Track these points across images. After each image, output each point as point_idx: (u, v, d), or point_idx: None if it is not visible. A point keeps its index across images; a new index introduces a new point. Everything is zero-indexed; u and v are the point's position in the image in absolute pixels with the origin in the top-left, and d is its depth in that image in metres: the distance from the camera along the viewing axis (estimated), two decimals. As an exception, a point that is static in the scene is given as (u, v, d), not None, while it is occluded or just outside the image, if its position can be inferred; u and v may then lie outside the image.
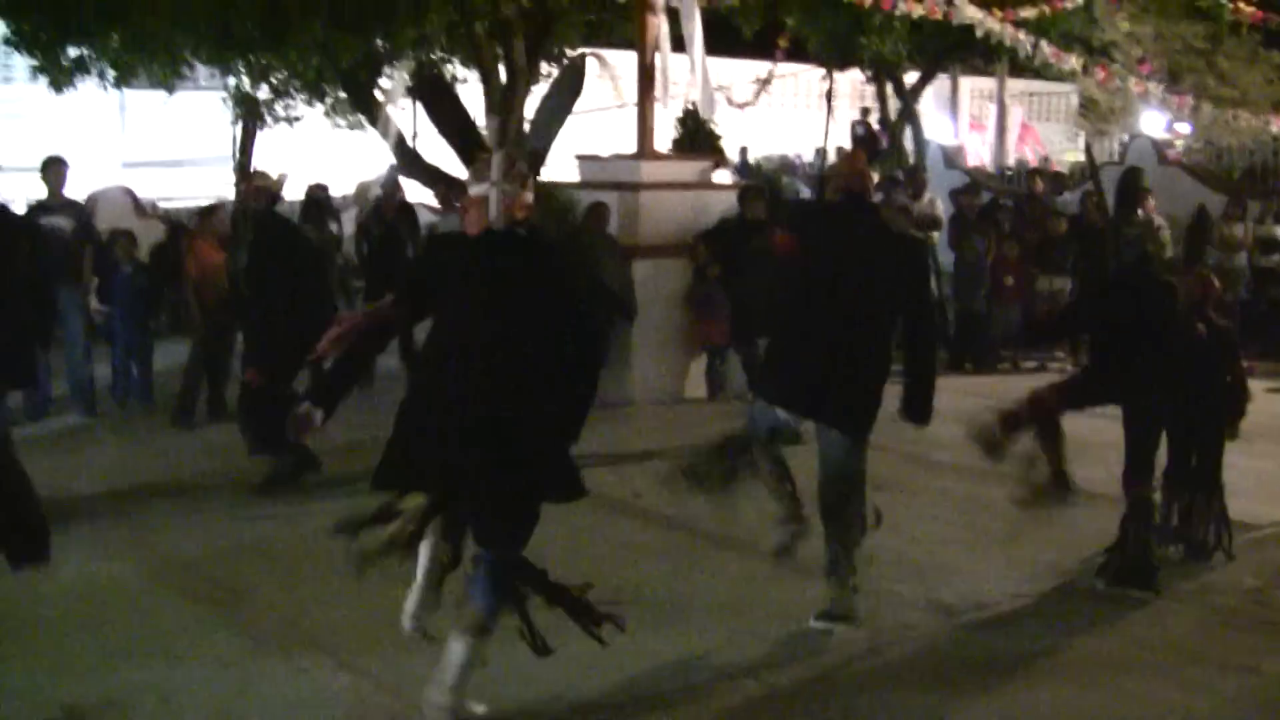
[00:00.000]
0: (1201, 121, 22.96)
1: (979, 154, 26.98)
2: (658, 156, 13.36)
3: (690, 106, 14.13)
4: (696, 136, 13.96)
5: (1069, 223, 14.89)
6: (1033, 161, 25.85)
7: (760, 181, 13.87)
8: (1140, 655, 6.37)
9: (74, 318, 11.57)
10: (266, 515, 8.47)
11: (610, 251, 12.26)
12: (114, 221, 16.63)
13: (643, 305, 12.38)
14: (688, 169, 13.53)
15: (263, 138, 19.78)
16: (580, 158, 13.65)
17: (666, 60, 12.89)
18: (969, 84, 28.42)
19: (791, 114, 28.47)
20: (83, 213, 12.21)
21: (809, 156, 25.52)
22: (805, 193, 21.37)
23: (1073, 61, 15.71)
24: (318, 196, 14.52)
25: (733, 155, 22.63)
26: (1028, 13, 15.80)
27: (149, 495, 8.97)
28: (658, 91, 12.79)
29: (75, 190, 15.52)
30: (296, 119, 19.29)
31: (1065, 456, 7.53)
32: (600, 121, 16.76)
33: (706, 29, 13.41)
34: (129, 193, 18.51)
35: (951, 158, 22.41)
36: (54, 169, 11.52)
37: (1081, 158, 25.83)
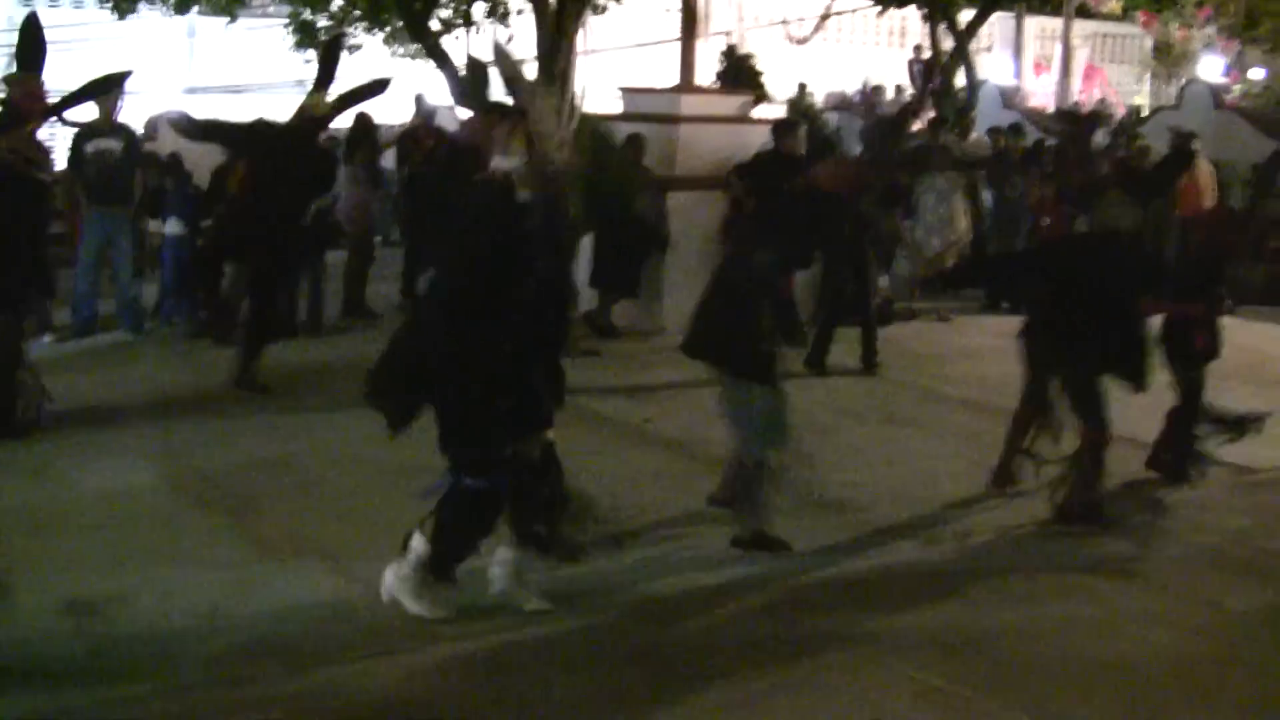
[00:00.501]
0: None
1: (1044, 95, 26.71)
2: (697, 90, 13.49)
3: (732, 42, 14.21)
4: (739, 71, 14.02)
5: (1112, 165, 14.83)
6: (1087, 103, 25.62)
7: (800, 116, 13.85)
8: (1110, 584, 6.54)
9: (123, 238, 11.92)
10: (292, 432, 8.78)
11: (645, 183, 12.44)
12: (174, 145, 17.07)
13: (677, 236, 12.56)
14: (727, 103, 13.65)
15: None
16: (623, 90, 13.80)
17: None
18: (1035, 24, 28.04)
19: (860, 51, 28.25)
20: (132, 136, 12.47)
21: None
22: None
23: (1111, 3, 15.52)
24: (365, 126, 14.70)
25: (792, 91, 22.65)
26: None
27: (181, 409, 9.29)
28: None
29: (141, 114, 16.02)
30: (356, 47, 19.50)
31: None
32: (651, 55, 16.86)
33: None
34: (186, 116, 18.81)
35: (1009, 98, 22.30)
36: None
37: (1146, 100, 25.60)
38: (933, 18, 19.27)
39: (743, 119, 13.59)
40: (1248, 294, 13.80)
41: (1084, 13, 24.94)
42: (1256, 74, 27.14)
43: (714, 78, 14.37)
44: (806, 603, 6.22)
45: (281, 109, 11.06)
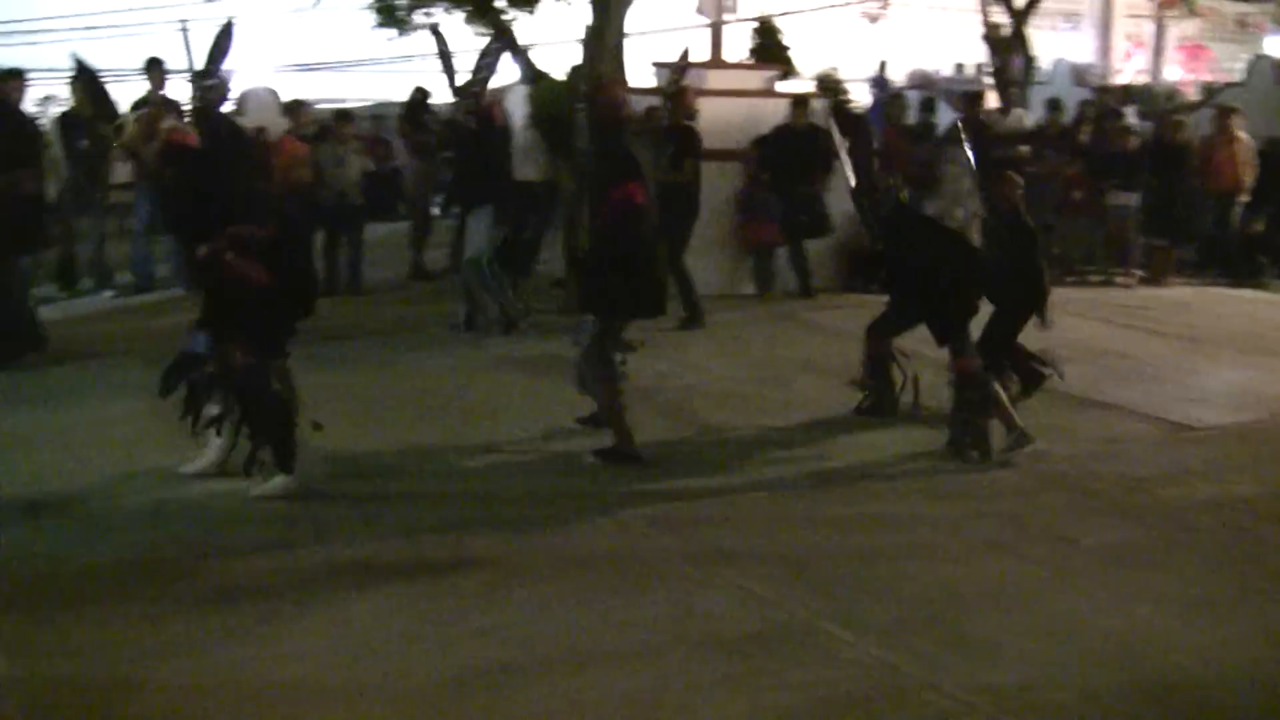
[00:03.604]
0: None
1: (1134, 75, 26.57)
2: (725, 65, 14.00)
3: (762, 18, 14.69)
4: (768, 47, 14.50)
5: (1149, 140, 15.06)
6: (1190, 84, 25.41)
7: (827, 92, 14.26)
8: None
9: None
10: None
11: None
12: (261, 119, 18.09)
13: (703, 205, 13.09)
14: (754, 78, 14.16)
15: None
16: (656, 65, 14.36)
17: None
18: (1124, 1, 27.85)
19: (935, 27, 28.28)
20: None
21: (947, 71, 25.62)
22: (944, 108, 21.59)
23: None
24: (418, 100, 15.48)
25: (872, 69, 22.93)
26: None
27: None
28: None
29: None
30: (435, 25, 20.29)
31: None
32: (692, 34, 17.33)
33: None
34: (274, 93, 19.87)
35: (1082, 75, 22.32)
36: (155, 69, 12.71)
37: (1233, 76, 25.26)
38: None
39: (767, 93, 14.07)
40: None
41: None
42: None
43: (747, 53, 14.80)
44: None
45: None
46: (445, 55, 12.31)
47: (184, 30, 8.99)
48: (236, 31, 9.47)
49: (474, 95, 11.80)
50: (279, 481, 6.95)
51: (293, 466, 6.92)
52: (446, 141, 13.34)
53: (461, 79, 12.04)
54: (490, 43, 12.81)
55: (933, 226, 8.54)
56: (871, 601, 5.80)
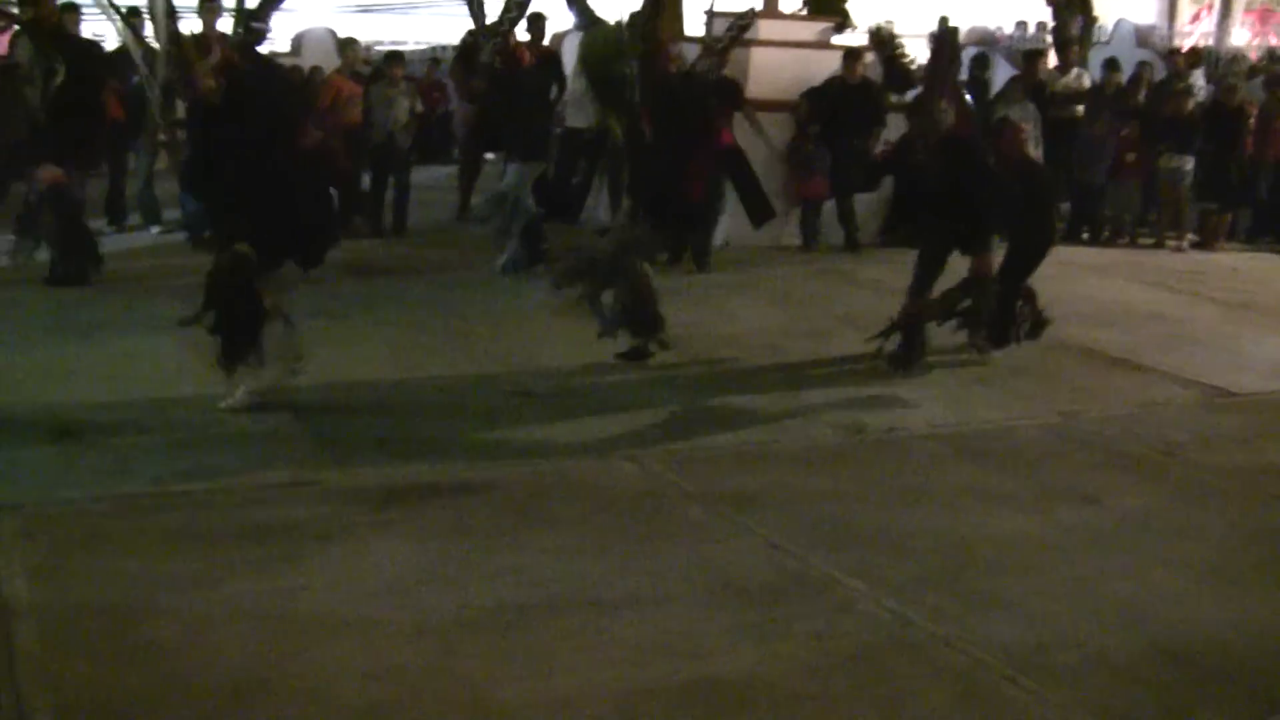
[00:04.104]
0: None
1: (1201, 38, 26.04)
2: (779, 16, 13.88)
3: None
4: (824, -1, 14.36)
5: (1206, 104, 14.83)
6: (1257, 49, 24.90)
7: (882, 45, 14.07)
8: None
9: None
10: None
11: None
12: (318, 59, 18.21)
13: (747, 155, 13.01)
14: (807, 29, 14.01)
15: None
16: (708, 13, 14.23)
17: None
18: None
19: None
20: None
21: (1009, 29, 25.29)
22: (1005, 66, 21.33)
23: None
24: (469, 44, 15.38)
25: (932, 24, 22.62)
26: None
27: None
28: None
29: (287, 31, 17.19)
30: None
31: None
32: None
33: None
34: (332, 33, 19.96)
35: (1145, 36, 21.96)
36: (207, 6, 12.76)
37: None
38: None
39: (820, 45, 13.94)
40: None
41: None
42: None
43: (801, 4, 14.66)
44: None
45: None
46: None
47: None
48: None
49: (501, 36, 11.82)
50: (240, 394, 7.25)
51: (234, 367, 7.20)
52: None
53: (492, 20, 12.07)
54: None
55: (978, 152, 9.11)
56: (889, 556, 5.80)
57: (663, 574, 5.48)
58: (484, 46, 12.04)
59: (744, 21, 12.74)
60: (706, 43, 12.08)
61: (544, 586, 5.30)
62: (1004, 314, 9.11)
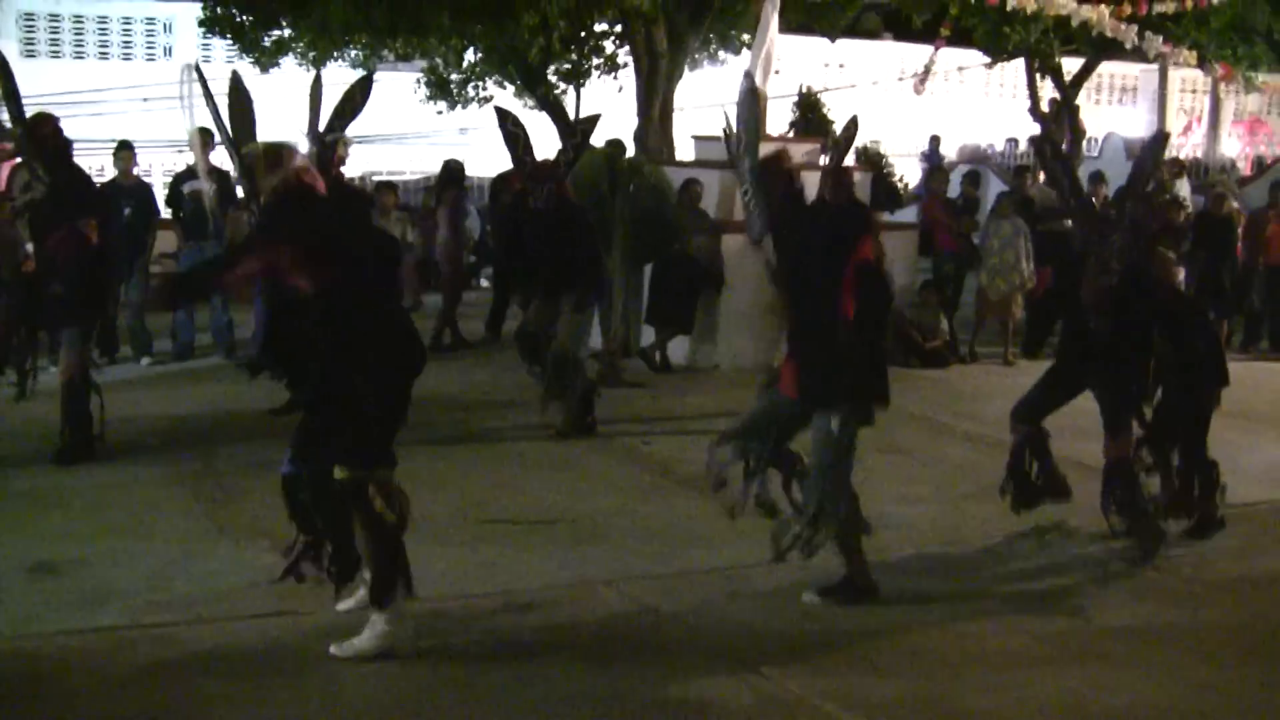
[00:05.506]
0: None
1: (1192, 150, 26.43)
2: (764, 139, 14.00)
3: (805, 90, 14.75)
4: (810, 119, 14.54)
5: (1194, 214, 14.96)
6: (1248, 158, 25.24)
7: (869, 164, 14.26)
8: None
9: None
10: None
11: (700, 226, 13.02)
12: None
13: (736, 279, 13.06)
14: (793, 151, 14.10)
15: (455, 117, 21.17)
16: (696, 138, 14.43)
17: (768, 43, 13.53)
18: (1179, 76, 27.76)
19: (990, 103, 28.33)
20: (225, 178, 13.13)
21: (1000, 146, 25.58)
22: (996, 182, 21.57)
23: (1185, 54, 15.52)
24: (452, 169, 15.39)
25: (923, 143, 22.99)
26: (1164, 6, 15.64)
27: (224, 421, 10.21)
28: (758, 76, 13.43)
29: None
30: (487, 99, 20.51)
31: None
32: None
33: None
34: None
35: (1133, 149, 22.20)
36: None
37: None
38: (1029, 68, 19.45)
39: (806, 166, 14.05)
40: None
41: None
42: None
43: (788, 126, 14.86)
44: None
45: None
46: (514, 137, 10.91)
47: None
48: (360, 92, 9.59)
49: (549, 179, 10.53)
50: (370, 636, 5.67)
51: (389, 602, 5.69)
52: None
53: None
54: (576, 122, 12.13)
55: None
56: (869, 676, 5.69)
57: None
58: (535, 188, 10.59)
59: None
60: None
61: None
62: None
